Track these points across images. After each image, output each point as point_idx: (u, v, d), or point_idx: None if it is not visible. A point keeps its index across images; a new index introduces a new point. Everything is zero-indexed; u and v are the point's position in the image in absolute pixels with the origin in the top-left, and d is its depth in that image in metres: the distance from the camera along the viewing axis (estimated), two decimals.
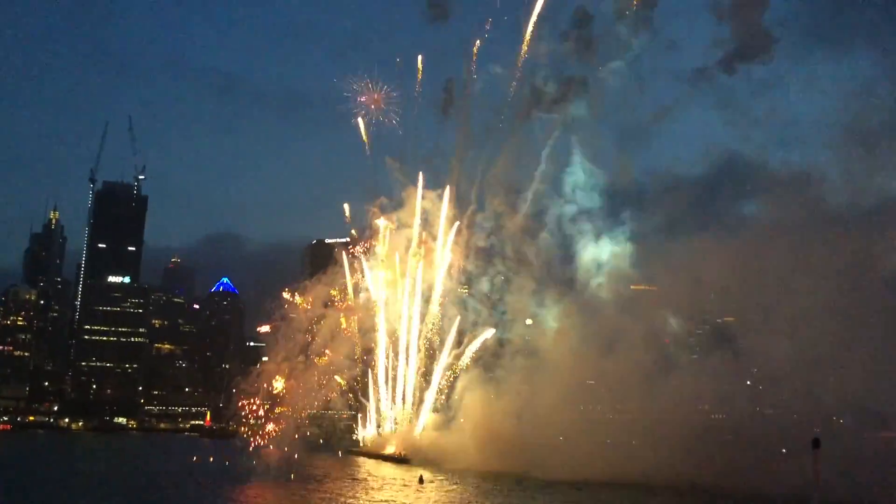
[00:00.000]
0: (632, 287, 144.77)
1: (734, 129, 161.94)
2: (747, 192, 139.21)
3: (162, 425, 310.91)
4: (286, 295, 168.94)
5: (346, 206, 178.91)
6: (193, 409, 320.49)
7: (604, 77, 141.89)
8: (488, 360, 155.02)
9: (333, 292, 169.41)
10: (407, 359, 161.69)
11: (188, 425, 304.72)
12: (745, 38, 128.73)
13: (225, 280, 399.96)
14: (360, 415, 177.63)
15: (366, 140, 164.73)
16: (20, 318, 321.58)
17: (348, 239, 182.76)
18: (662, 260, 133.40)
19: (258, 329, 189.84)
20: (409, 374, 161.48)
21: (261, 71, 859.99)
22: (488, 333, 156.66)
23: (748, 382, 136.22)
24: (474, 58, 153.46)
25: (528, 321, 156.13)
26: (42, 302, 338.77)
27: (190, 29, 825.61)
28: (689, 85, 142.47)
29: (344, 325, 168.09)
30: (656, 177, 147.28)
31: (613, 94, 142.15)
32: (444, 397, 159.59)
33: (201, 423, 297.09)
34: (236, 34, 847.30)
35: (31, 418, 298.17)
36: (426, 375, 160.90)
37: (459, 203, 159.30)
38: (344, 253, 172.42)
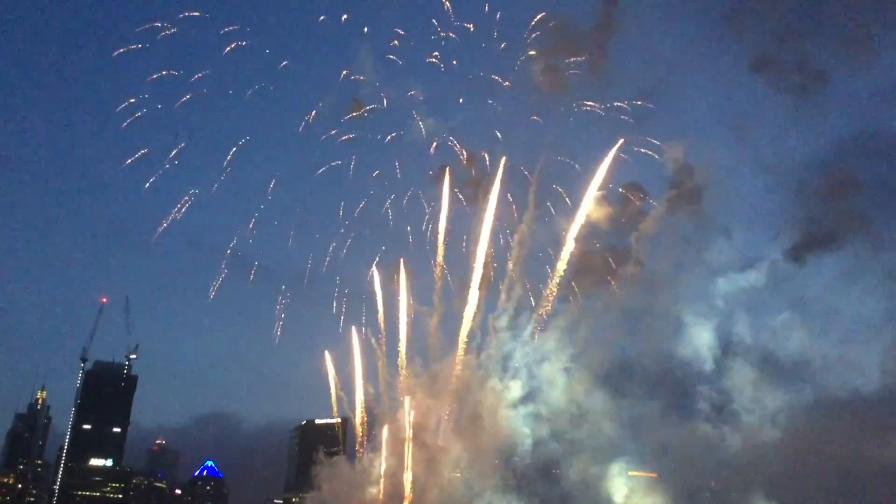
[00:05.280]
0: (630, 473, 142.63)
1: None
2: None
3: None
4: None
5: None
6: None
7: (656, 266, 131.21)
8: None
9: None
10: None
11: None
12: (828, 223, 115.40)
13: (209, 463, 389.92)
14: None
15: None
16: None
17: (338, 419, 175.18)
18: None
19: None
20: None
21: (264, 250, 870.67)
22: None
23: None
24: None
25: None
26: (20, 486, 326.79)
27: (196, 208, 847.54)
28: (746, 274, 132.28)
29: None
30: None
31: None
32: None
33: None
34: (241, 214, 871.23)
35: None
36: None
37: None
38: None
